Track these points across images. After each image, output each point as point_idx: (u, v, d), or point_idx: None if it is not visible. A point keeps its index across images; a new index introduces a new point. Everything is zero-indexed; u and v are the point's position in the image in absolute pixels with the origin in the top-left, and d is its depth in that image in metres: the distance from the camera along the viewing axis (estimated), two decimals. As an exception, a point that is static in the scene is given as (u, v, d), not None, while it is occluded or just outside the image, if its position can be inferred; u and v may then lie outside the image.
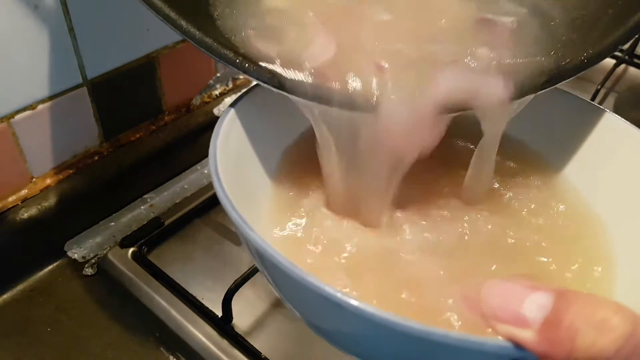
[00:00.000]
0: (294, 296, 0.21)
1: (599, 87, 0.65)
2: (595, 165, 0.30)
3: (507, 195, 0.30)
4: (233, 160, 0.25)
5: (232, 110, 0.27)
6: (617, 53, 0.77)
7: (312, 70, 0.24)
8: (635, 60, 0.76)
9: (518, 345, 0.16)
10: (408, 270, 0.25)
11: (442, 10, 0.28)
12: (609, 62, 0.76)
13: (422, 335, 0.17)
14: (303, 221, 0.27)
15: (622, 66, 0.75)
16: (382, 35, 0.26)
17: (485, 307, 0.17)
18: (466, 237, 0.27)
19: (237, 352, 0.40)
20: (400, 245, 0.26)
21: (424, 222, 0.27)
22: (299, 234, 0.27)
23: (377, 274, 0.25)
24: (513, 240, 0.27)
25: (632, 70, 0.76)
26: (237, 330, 0.42)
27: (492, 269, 0.25)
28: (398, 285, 0.24)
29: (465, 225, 0.27)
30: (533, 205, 0.29)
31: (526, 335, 0.16)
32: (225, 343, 0.41)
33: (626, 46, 0.78)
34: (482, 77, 0.25)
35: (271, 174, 0.29)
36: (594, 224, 0.28)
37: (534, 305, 0.16)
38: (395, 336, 0.18)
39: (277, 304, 0.45)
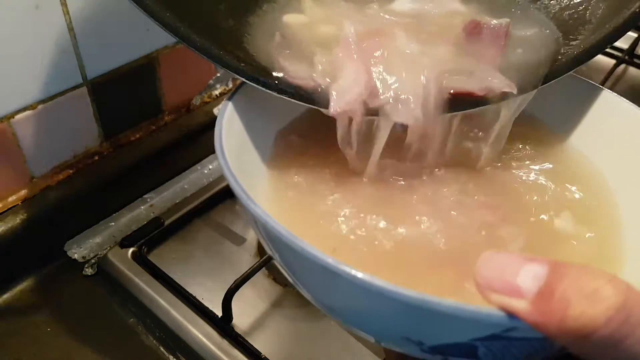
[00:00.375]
0: (297, 268, 0.22)
1: (599, 87, 0.65)
2: (596, 134, 0.30)
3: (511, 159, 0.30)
4: (235, 145, 0.26)
5: (231, 103, 0.28)
6: (617, 53, 0.77)
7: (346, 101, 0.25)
8: (635, 60, 0.76)
9: (512, 315, 0.16)
10: (406, 235, 0.25)
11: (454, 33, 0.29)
12: (609, 62, 0.76)
13: (416, 303, 0.17)
14: (300, 199, 0.28)
15: (622, 66, 0.75)
16: (402, 58, 0.27)
17: (479, 277, 0.17)
18: (476, 197, 0.27)
19: (237, 352, 0.40)
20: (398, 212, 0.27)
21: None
22: (297, 212, 0.27)
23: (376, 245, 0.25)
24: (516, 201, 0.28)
25: (632, 70, 0.76)
26: (237, 330, 0.42)
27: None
28: (396, 254, 0.25)
29: (471, 186, 0.28)
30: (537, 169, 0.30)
31: (520, 305, 0.16)
32: (225, 343, 0.41)
33: (626, 46, 0.78)
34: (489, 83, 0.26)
35: (266, 157, 0.30)
36: (599, 186, 0.29)
37: (529, 276, 0.16)
38: (390, 304, 0.18)
39: (277, 304, 0.45)
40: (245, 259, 0.48)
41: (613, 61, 0.75)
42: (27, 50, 0.41)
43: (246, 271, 0.43)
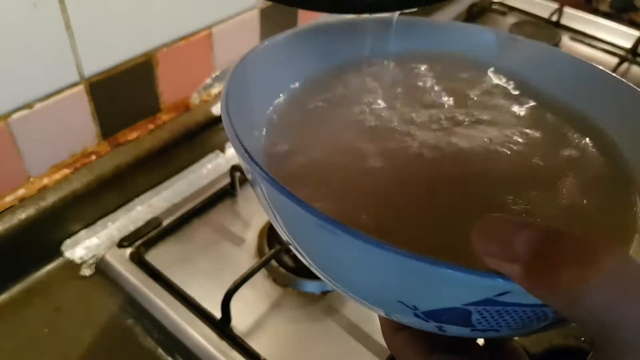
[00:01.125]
0: (295, 228, 0.22)
1: (601, 86, 0.64)
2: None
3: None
4: (240, 109, 0.26)
5: (237, 68, 0.28)
6: (620, 52, 0.77)
7: None
8: (638, 59, 0.76)
9: (506, 278, 0.17)
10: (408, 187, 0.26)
11: None
12: (612, 60, 0.76)
13: (411, 264, 0.17)
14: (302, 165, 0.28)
15: (625, 65, 0.75)
16: None
17: (476, 241, 0.18)
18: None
19: (236, 354, 0.40)
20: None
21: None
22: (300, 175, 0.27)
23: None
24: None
25: (634, 69, 0.75)
26: (236, 331, 0.41)
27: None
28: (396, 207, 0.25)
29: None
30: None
31: (514, 268, 0.16)
32: (224, 345, 0.40)
33: (629, 45, 0.78)
34: None
35: (271, 122, 0.30)
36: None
37: (524, 240, 0.17)
38: (385, 264, 0.18)
39: (276, 305, 0.44)
40: (245, 260, 0.48)
41: (616, 60, 0.75)
42: (24, 48, 0.41)
43: (245, 272, 0.42)
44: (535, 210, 0.25)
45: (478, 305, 0.18)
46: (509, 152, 0.29)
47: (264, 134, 0.29)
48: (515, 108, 0.32)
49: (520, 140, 0.29)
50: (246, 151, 0.22)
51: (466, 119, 0.30)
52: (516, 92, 0.32)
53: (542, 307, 0.17)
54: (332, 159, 0.28)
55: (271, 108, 0.30)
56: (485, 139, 0.29)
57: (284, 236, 0.24)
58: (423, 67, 0.34)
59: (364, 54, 0.33)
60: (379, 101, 0.31)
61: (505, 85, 0.33)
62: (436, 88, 0.32)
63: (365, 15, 0.32)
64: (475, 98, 0.32)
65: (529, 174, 0.28)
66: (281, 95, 0.31)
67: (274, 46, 0.30)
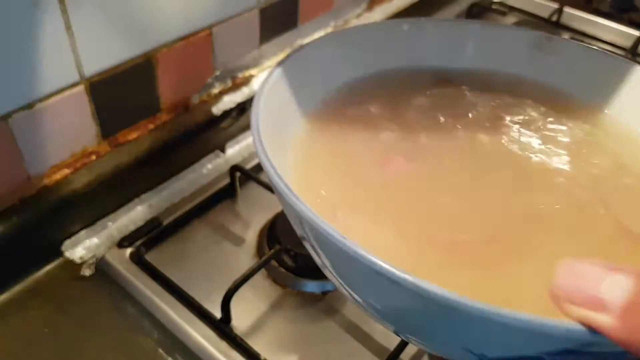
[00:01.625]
0: (346, 271, 0.20)
1: (601, 86, 0.64)
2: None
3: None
4: (270, 130, 0.25)
5: (265, 90, 0.27)
6: (619, 52, 0.77)
7: None
8: (638, 59, 0.76)
9: (593, 330, 0.15)
10: (448, 212, 0.24)
11: None
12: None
13: (489, 317, 0.16)
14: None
15: (625, 65, 0.75)
16: None
17: (557, 288, 0.16)
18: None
19: (236, 354, 0.40)
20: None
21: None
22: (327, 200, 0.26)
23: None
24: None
25: (634, 69, 0.75)
26: (236, 331, 0.41)
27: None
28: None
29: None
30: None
31: (604, 320, 0.15)
32: (224, 345, 0.40)
33: (629, 44, 0.78)
34: None
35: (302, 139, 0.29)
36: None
37: (613, 287, 0.15)
38: (458, 316, 0.17)
39: (276, 305, 0.44)
40: (245, 260, 0.48)
41: (615, 60, 0.75)
42: (24, 48, 0.40)
43: (245, 272, 0.42)
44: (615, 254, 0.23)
45: (556, 355, 0.17)
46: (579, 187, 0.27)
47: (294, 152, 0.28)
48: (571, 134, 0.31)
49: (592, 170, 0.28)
50: (296, 197, 0.20)
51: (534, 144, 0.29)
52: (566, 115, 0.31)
53: (626, 353, 0.15)
54: (373, 180, 0.26)
55: (302, 123, 0.29)
56: (560, 169, 0.28)
57: (334, 280, 0.22)
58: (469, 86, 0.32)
59: (398, 64, 0.32)
60: (427, 115, 0.30)
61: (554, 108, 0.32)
62: (480, 108, 0.31)
63: (398, 20, 0.31)
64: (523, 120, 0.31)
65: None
66: (313, 107, 0.30)
67: (299, 62, 0.29)
